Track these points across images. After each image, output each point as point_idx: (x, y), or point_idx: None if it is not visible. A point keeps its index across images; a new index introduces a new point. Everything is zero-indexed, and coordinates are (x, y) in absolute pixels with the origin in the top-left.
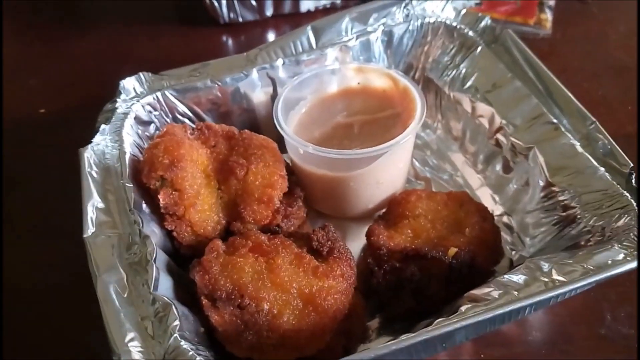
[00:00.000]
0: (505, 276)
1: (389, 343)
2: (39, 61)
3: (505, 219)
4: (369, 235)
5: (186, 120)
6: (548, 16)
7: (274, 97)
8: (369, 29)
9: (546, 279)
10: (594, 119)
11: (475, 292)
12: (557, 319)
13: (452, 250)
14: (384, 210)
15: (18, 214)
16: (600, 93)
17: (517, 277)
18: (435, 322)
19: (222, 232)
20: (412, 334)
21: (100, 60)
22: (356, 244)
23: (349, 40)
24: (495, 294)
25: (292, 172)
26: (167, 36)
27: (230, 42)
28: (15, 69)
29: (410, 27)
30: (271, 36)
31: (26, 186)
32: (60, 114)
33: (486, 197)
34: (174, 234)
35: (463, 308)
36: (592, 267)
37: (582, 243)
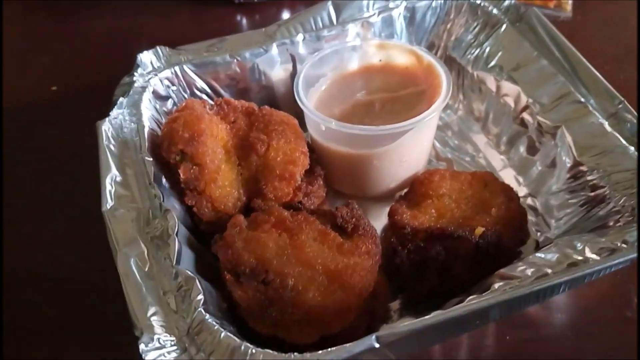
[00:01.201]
0: (537, 254)
1: (423, 318)
2: (50, 40)
3: (529, 200)
4: (392, 214)
5: (204, 96)
6: None
7: (293, 74)
8: (391, 4)
9: (579, 257)
10: (622, 98)
11: (506, 270)
12: (582, 301)
13: (479, 230)
14: (405, 190)
15: (29, 192)
16: (622, 77)
17: (550, 256)
18: (468, 299)
19: (243, 209)
20: (447, 310)
21: (111, 39)
22: (376, 224)
23: (371, 16)
24: (528, 271)
25: (312, 150)
26: (180, 15)
27: (244, 21)
28: (27, 47)
29: (434, 4)
30: (286, 15)
31: (38, 163)
32: (72, 92)
33: (509, 178)
34: (194, 209)
35: (496, 285)
36: (625, 246)
37: (611, 224)
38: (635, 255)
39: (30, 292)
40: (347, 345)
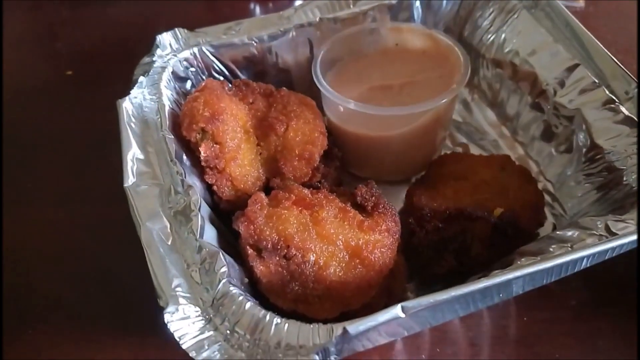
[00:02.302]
0: (558, 232)
1: (448, 290)
2: (64, 26)
3: (545, 184)
4: (409, 196)
5: (222, 78)
6: None
7: (310, 57)
8: None
9: (600, 234)
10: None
11: (527, 247)
12: (598, 282)
13: (498, 211)
14: (422, 173)
15: (48, 176)
16: (634, 68)
17: (570, 233)
18: (492, 272)
19: (262, 188)
20: (473, 282)
21: (125, 26)
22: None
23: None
24: (550, 248)
25: (329, 132)
26: (194, 3)
27: (257, 9)
28: (41, 34)
29: None
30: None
31: (54, 148)
32: (87, 76)
33: (525, 162)
34: (214, 187)
35: (519, 261)
36: None
37: (628, 206)
38: None
39: (46, 274)
40: (373, 314)
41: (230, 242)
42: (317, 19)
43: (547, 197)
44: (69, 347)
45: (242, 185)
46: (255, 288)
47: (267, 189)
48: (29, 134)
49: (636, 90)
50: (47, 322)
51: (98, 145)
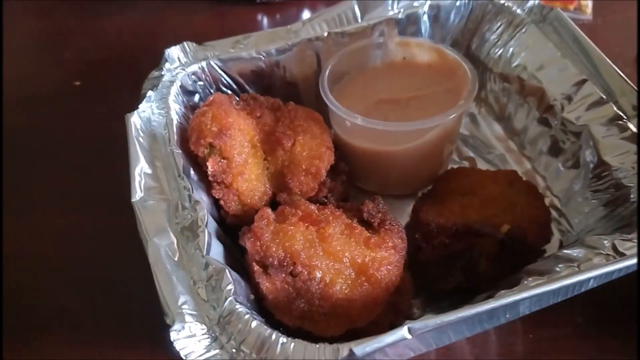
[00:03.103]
0: (564, 251)
1: (454, 311)
2: (72, 35)
3: (552, 200)
4: (415, 211)
5: (229, 92)
6: (588, 2)
7: (317, 71)
8: (416, 3)
9: (607, 253)
10: None
11: (533, 267)
12: (603, 299)
13: (505, 227)
14: (429, 187)
15: (53, 185)
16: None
17: (577, 252)
18: (499, 292)
19: (268, 203)
20: (479, 303)
21: (133, 36)
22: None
23: (396, 14)
24: (557, 268)
25: (336, 147)
26: (201, 14)
27: (265, 20)
28: (49, 43)
29: (458, 3)
30: (307, 15)
31: (61, 157)
32: (95, 87)
33: (532, 177)
34: (221, 202)
35: (525, 281)
36: None
37: (635, 223)
38: None
39: (56, 285)
40: (380, 335)
41: (237, 257)
42: (325, 33)
43: (553, 213)
44: (71, 357)
45: (249, 200)
46: (261, 304)
47: (273, 203)
48: (35, 141)
49: None
50: (51, 331)
51: (103, 154)
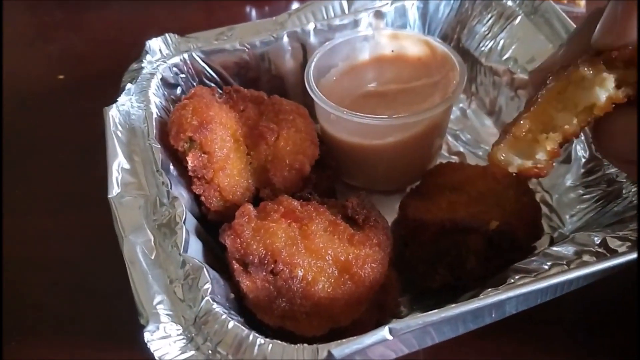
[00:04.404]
0: (553, 248)
1: (437, 311)
2: (57, 30)
3: (543, 196)
4: (403, 207)
5: (213, 85)
6: None
7: (303, 64)
8: None
9: (597, 251)
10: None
11: (521, 264)
12: (595, 297)
13: (494, 224)
14: (417, 183)
15: (36, 181)
16: None
17: (566, 250)
18: (484, 292)
19: (251, 199)
20: (463, 302)
21: (119, 29)
22: (387, 217)
23: (384, 5)
24: (545, 265)
25: (322, 141)
26: (188, 7)
27: (253, 13)
28: (33, 37)
29: None
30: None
31: (45, 152)
32: (79, 81)
33: None
34: (202, 198)
35: (511, 279)
36: None
37: (628, 219)
38: None
39: (33, 284)
40: (359, 336)
41: (217, 255)
42: (312, 25)
43: (544, 209)
44: (52, 357)
45: (230, 196)
46: (241, 304)
47: (256, 199)
48: (19, 140)
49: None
50: (33, 332)
51: (88, 151)
